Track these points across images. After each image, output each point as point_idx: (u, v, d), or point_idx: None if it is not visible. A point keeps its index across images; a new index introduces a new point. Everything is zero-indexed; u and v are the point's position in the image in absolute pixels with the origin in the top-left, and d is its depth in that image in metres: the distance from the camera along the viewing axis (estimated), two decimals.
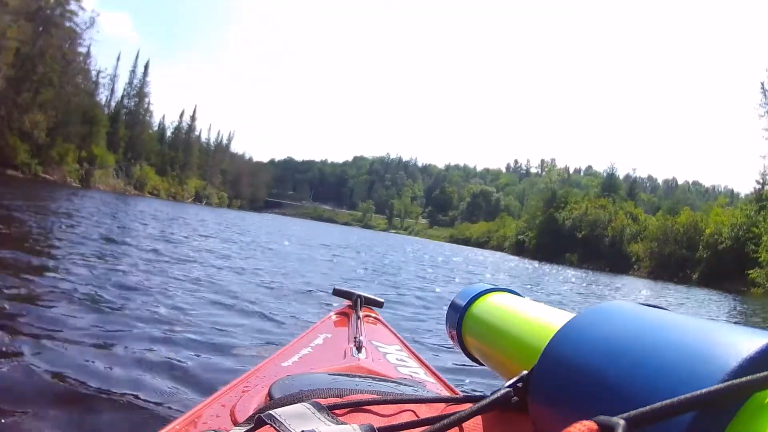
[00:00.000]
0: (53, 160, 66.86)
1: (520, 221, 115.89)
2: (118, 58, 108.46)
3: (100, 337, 4.53)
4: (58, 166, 67.65)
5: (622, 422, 0.44)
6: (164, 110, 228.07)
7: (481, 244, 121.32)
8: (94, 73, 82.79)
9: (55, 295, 5.71)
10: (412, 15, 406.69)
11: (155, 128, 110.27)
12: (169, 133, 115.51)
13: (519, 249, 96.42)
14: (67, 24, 68.21)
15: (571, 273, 44.57)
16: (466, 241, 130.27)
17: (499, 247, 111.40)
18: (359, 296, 2.88)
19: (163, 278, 8.11)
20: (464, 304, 1.20)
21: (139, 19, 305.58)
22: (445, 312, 1.28)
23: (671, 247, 71.29)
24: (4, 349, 3.74)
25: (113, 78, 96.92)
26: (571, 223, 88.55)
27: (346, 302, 2.92)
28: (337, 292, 3.07)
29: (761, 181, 63.37)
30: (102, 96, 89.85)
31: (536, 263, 59.79)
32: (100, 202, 32.69)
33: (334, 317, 2.70)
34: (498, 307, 1.11)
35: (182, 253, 12.00)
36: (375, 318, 2.79)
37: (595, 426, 0.43)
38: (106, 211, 23.82)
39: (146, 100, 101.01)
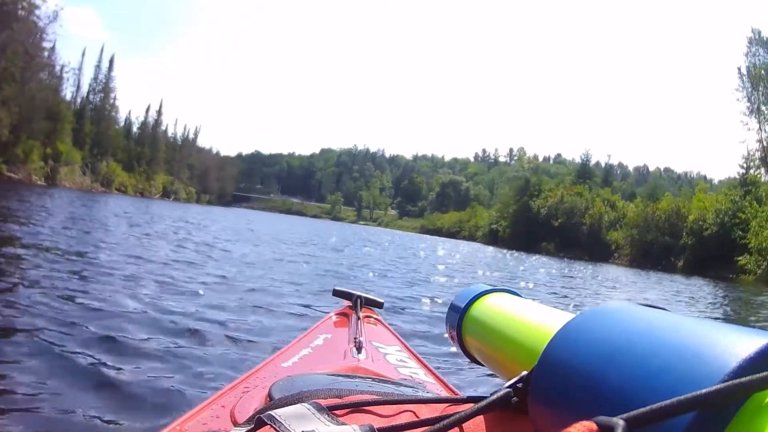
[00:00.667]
0: (17, 158, 64.69)
1: (492, 210, 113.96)
2: (83, 54, 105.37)
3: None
4: (23, 165, 65.46)
5: (621, 422, 0.44)
6: (131, 106, 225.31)
7: (452, 234, 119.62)
8: (58, 68, 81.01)
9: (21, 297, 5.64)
10: (376, 3, 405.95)
11: (122, 124, 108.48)
12: (135, 129, 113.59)
13: (492, 238, 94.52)
14: (30, 18, 66.21)
15: (549, 262, 43.84)
16: (438, 231, 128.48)
17: (471, 237, 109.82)
18: (359, 297, 2.83)
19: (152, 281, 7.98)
20: (464, 304, 1.20)
21: (104, 14, 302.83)
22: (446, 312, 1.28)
23: (653, 234, 69.71)
24: None
25: (78, 74, 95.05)
26: (547, 212, 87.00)
27: (346, 303, 2.87)
28: (337, 293, 3.01)
29: (744, 165, 62.67)
30: (67, 92, 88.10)
31: (511, 252, 59.05)
32: (63, 202, 31.68)
33: (334, 318, 2.66)
34: (498, 308, 1.11)
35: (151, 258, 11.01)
36: (375, 319, 2.74)
37: (594, 426, 0.43)
38: (60, 212, 22.38)
39: (112, 95, 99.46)
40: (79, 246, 10.93)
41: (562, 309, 0.99)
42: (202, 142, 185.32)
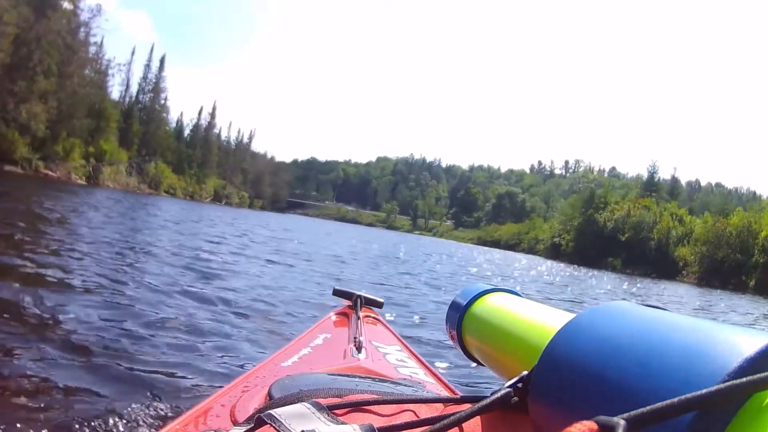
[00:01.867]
0: (57, 155, 60.93)
1: (554, 222, 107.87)
2: (133, 53, 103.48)
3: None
4: (62, 162, 61.70)
5: (622, 422, 0.43)
6: (183, 108, 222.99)
7: (510, 247, 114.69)
8: (105, 66, 77.39)
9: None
10: (438, 14, 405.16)
11: (173, 126, 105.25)
12: (187, 132, 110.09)
13: (554, 252, 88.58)
14: (69, 8, 62.47)
15: (615, 279, 41.04)
16: (495, 243, 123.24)
17: (531, 250, 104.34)
18: (359, 296, 2.84)
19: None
20: (464, 304, 1.20)
21: (157, 18, 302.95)
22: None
23: (723, 251, 64.20)
24: None
25: (128, 73, 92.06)
26: (613, 225, 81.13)
27: (346, 302, 2.88)
28: (337, 293, 3.01)
29: None
30: (115, 91, 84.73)
31: (575, 268, 54.42)
32: (102, 202, 29.63)
33: (333, 317, 2.68)
34: (498, 308, 1.11)
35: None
36: (375, 318, 2.75)
37: (595, 426, 0.43)
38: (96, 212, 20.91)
39: (162, 95, 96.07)
40: (111, 244, 10.99)
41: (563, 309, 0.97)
42: (257, 146, 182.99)
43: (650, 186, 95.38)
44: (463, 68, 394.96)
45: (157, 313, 5.77)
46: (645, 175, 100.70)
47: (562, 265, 60.16)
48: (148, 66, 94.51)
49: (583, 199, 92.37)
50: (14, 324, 4.46)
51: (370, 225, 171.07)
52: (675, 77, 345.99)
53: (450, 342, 1.30)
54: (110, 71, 78.83)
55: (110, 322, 5.08)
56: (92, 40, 69.59)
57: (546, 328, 0.88)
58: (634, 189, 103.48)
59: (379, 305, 2.98)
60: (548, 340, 0.71)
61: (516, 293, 1.19)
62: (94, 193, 39.52)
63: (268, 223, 36.54)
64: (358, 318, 2.43)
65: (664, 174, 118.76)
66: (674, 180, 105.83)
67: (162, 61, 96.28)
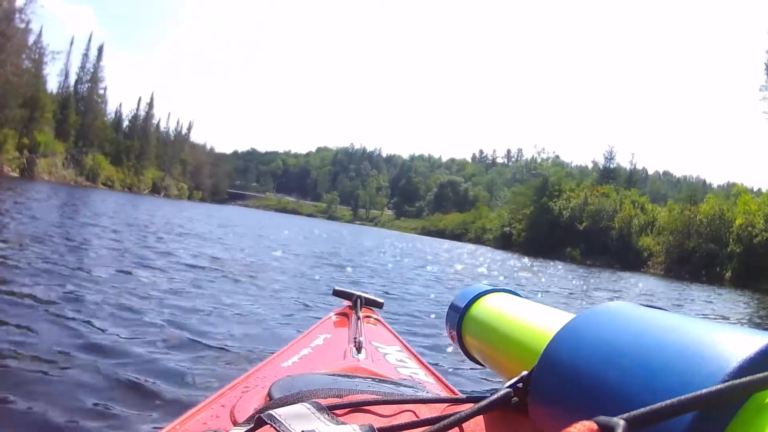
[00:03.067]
0: None
1: (503, 211, 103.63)
2: (72, 42, 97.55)
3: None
4: None
5: (622, 423, 0.43)
6: (122, 100, 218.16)
7: (456, 236, 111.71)
8: (44, 55, 74.08)
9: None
10: (374, 2, 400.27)
11: (111, 117, 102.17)
12: (126, 123, 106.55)
13: (504, 242, 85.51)
14: None
15: (576, 271, 38.85)
16: (440, 233, 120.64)
17: (478, 240, 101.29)
18: (359, 297, 2.83)
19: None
20: (464, 304, 1.21)
21: (102, 12, 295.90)
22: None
23: (694, 240, 60.98)
24: None
25: (66, 64, 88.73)
26: (570, 214, 77.60)
27: (346, 303, 2.87)
28: (337, 293, 3.00)
29: None
30: (52, 81, 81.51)
31: (530, 259, 52.35)
32: (35, 195, 28.11)
33: (333, 318, 2.67)
34: (498, 308, 1.11)
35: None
36: (375, 319, 2.74)
37: (595, 426, 0.43)
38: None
39: (100, 85, 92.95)
40: (50, 240, 10.51)
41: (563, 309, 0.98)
42: (196, 137, 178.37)
43: (608, 173, 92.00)
44: (403, 57, 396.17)
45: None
46: (594, 162, 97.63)
47: (514, 255, 58.65)
48: (86, 55, 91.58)
49: (535, 186, 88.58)
50: None
51: (310, 215, 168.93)
52: (614, 64, 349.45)
53: (450, 342, 1.30)
54: (45, 59, 75.57)
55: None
56: (26, 27, 66.20)
57: (546, 329, 0.88)
58: (588, 177, 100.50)
59: (379, 305, 2.94)
60: (548, 341, 0.72)
61: (516, 293, 1.20)
62: (27, 187, 37.54)
63: (192, 218, 33.87)
64: (358, 318, 2.42)
65: (633, 162, 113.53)
66: (632, 167, 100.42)
67: (100, 50, 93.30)
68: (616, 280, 32.85)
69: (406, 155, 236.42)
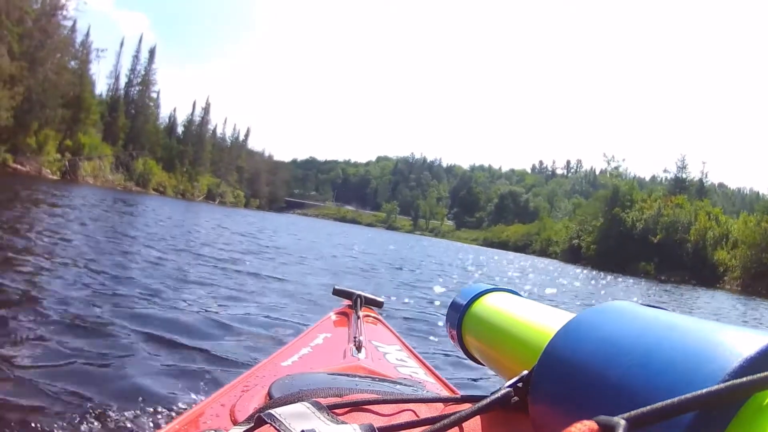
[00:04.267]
0: (28, 148, 53.98)
1: (571, 223, 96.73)
2: (122, 44, 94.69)
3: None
4: (34, 156, 54.72)
5: (622, 422, 0.43)
6: (177, 105, 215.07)
7: (520, 248, 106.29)
8: (84, 53, 70.46)
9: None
10: (439, 13, 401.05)
11: (164, 122, 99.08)
12: (180, 128, 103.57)
13: (573, 255, 78.99)
14: None
15: (651, 286, 37.23)
16: (503, 245, 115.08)
17: (543, 252, 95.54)
18: (359, 296, 2.80)
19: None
20: (464, 303, 1.20)
21: (155, 18, 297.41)
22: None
23: None
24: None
25: (116, 65, 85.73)
26: (643, 225, 71.12)
27: (346, 302, 2.84)
28: (337, 292, 2.99)
29: None
30: (102, 83, 78.05)
31: (600, 273, 47.38)
32: (65, 198, 25.63)
33: (333, 317, 2.64)
34: (498, 307, 1.11)
35: None
36: (375, 318, 2.72)
37: (595, 426, 0.43)
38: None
39: (152, 88, 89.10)
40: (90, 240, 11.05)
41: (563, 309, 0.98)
42: (254, 145, 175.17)
43: (680, 183, 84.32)
44: (463, 67, 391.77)
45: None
46: (663, 172, 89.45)
47: (584, 270, 53.19)
48: (136, 57, 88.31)
49: (605, 196, 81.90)
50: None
51: (369, 225, 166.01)
52: (673, 76, 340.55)
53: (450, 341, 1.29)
54: (91, 58, 72.08)
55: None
56: (68, 24, 62.83)
57: (546, 328, 0.88)
58: (656, 187, 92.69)
59: (380, 305, 2.93)
60: (548, 340, 0.72)
61: (516, 293, 1.19)
62: (67, 190, 33.67)
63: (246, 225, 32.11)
64: (358, 317, 2.40)
65: (706, 172, 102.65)
66: (704, 177, 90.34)
67: (152, 53, 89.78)
68: (698, 297, 30.15)
69: (466, 165, 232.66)
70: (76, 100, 63.11)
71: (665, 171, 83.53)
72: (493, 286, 1.21)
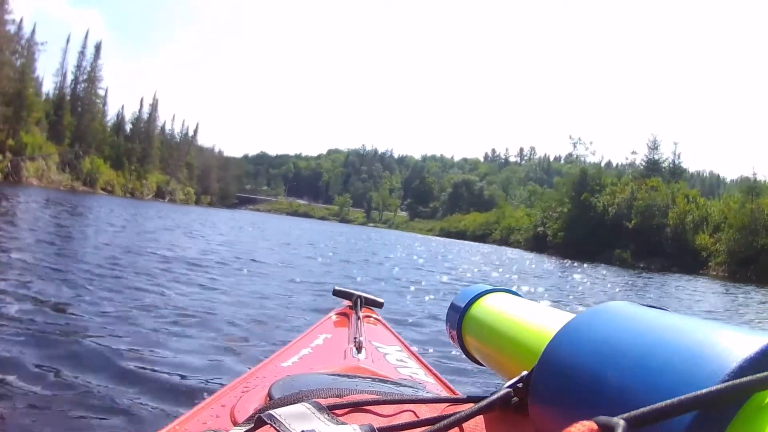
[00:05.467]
0: None
1: (534, 210, 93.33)
2: (68, 40, 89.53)
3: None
4: None
5: (622, 422, 0.43)
6: (124, 102, 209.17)
7: (479, 238, 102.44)
8: (36, 51, 67.55)
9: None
10: (384, 3, 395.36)
11: (112, 119, 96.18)
12: (129, 126, 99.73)
13: (538, 244, 75.34)
14: None
15: (631, 275, 34.75)
16: (461, 235, 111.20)
17: (504, 241, 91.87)
18: (359, 296, 2.80)
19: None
20: (464, 304, 1.20)
21: (109, 15, 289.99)
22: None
23: (763, 238, 51.34)
24: None
25: (63, 63, 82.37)
26: (616, 210, 67.45)
27: (346, 302, 2.85)
28: (337, 293, 2.98)
29: None
30: (48, 81, 74.82)
31: (571, 263, 45.36)
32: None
33: (334, 317, 2.65)
34: (498, 308, 1.11)
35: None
36: (375, 318, 2.74)
37: (595, 426, 0.43)
38: None
39: (98, 85, 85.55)
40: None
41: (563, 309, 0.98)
42: (204, 141, 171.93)
43: (653, 165, 79.05)
44: (412, 57, 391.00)
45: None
46: (632, 155, 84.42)
47: (552, 259, 51.55)
48: (82, 53, 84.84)
49: (572, 181, 77.69)
50: None
51: (323, 218, 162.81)
52: (631, 56, 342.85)
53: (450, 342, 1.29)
54: (36, 56, 69.00)
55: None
56: (8, 18, 59.59)
57: (546, 329, 0.88)
58: (627, 171, 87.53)
59: (379, 305, 2.92)
60: (548, 341, 0.72)
61: (516, 293, 1.19)
62: (9, 193, 32.34)
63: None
64: (358, 318, 2.40)
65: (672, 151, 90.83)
66: (676, 158, 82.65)
67: (98, 48, 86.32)
68: (683, 285, 28.75)
69: (418, 156, 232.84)
70: (18, 98, 60.03)
71: (633, 153, 79.15)
72: (492, 287, 1.21)
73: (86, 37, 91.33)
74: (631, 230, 64.56)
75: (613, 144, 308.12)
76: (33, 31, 67.56)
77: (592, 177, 74.98)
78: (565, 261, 48.17)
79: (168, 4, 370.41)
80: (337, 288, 2.99)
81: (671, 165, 79.58)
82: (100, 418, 3.12)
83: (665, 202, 64.80)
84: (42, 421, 2.97)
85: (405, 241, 54.36)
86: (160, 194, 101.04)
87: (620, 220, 66.37)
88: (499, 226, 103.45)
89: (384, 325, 2.67)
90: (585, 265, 43.23)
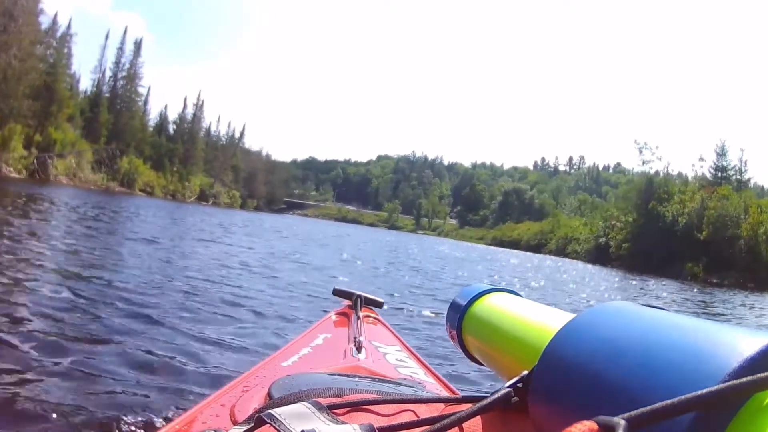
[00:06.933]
0: None
1: (595, 219, 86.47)
2: (107, 37, 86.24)
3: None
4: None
5: (622, 422, 0.43)
6: (169, 103, 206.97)
7: (533, 248, 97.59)
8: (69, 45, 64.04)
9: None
10: (438, 11, 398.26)
11: (155, 120, 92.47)
12: (172, 127, 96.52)
13: (600, 255, 69.51)
14: None
15: (708, 292, 31.60)
16: (515, 244, 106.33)
17: (560, 252, 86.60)
18: (359, 296, 2.80)
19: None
20: (464, 304, 1.20)
21: (151, 18, 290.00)
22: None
23: None
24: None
25: (101, 60, 78.83)
26: (686, 221, 61.29)
27: (346, 302, 2.85)
28: (337, 292, 3.00)
29: None
30: (86, 79, 71.69)
31: (638, 276, 40.94)
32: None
33: (333, 317, 2.65)
34: (498, 307, 1.10)
35: None
36: (375, 318, 2.73)
37: (595, 426, 0.42)
38: None
39: (139, 82, 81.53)
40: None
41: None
42: (251, 144, 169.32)
43: (721, 171, 71.13)
44: (463, 64, 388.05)
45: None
46: (700, 161, 75.07)
47: (620, 273, 46.04)
48: (120, 49, 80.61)
49: (638, 189, 70.78)
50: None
51: (371, 225, 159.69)
52: (670, 71, 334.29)
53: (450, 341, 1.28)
54: (68, 46, 65.17)
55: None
56: (40, 7, 55.86)
57: (546, 328, 0.88)
58: (692, 179, 75.96)
59: (379, 305, 2.93)
60: (548, 340, 0.71)
61: (515, 293, 1.19)
62: (30, 190, 29.05)
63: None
64: (358, 318, 2.40)
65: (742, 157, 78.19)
66: (742, 165, 73.59)
67: (138, 45, 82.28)
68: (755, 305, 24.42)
69: (467, 163, 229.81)
70: (47, 92, 56.20)
71: (701, 159, 71.40)
72: (493, 286, 1.20)
73: (125, 33, 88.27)
74: (702, 242, 58.48)
75: (668, 153, 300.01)
76: (69, 26, 64.16)
77: (658, 185, 68.73)
78: (633, 274, 43.38)
79: (214, 6, 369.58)
80: (337, 288, 2.98)
81: (738, 173, 71.81)
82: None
83: (738, 212, 58.78)
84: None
85: (458, 254, 49.14)
86: (203, 197, 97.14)
87: (691, 231, 60.54)
88: (554, 235, 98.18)
89: (384, 324, 2.66)
90: (657, 280, 38.36)
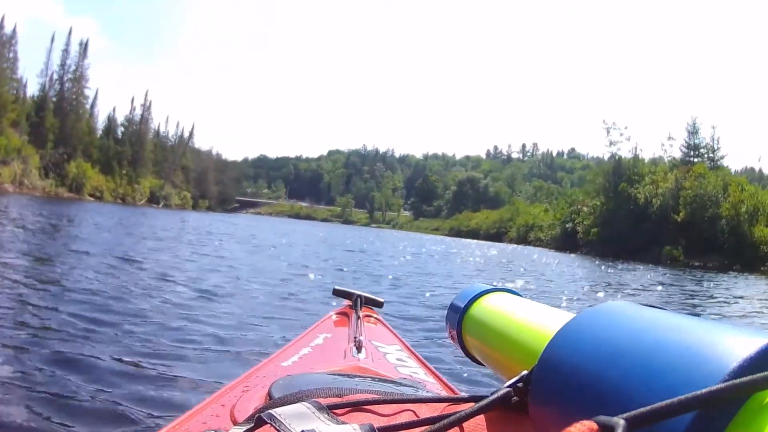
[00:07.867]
0: None
1: (559, 205, 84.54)
2: (52, 39, 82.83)
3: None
4: None
5: (622, 422, 0.43)
6: (117, 105, 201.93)
7: (493, 237, 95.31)
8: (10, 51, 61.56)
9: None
10: (383, 2, 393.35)
11: (104, 123, 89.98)
12: (120, 130, 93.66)
13: (567, 242, 66.78)
14: None
15: (692, 276, 30.11)
16: (473, 234, 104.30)
17: (522, 240, 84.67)
18: (359, 296, 2.78)
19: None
20: (464, 304, 1.20)
21: (105, 21, 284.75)
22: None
23: None
24: None
25: (47, 63, 76.34)
26: (661, 202, 59.19)
27: (346, 302, 2.82)
28: (337, 292, 2.96)
29: None
30: (32, 83, 69.25)
31: (612, 262, 39.82)
32: None
33: (334, 317, 2.63)
34: (498, 308, 1.11)
35: None
36: (375, 318, 2.71)
37: (595, 426, 0.42)
38: None
39: (85, 84, 78.97)
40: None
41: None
42: (201, 144, 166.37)
43: (693, 150, 69.54)
44: (411, 56, 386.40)
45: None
46: (669, 140, 72.99)
47: (592, 259, 44.74)
48: (66, 51, 78.06)
49: (605, 171, 68.41)
50: None
51: (325, 220, 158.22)
52: (624, 51, 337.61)
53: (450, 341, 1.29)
54: (12, 50, 62.74)
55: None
56: None
57: (546, 328, 0.88)
58: (661, 159, 73.36)
59: (380, 305, 2.90)
60: (548, 340, 0.71)
61: (515, 293, 1.19)
62: None
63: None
64: (358, 318, 2.39)
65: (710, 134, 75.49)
66: (715, 142, 70.43)
67: (84, 46, 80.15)
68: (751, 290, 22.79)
69: (419, 155, 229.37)
70: None
71: (670, 138, 69.70)
72: (492, 287, 1.21)
73: (69, 34, 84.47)
74: (679, 224, 56.42)
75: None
76: (14, 30, 61.56)
77: (627, 166, 66.61)
78: (607, 260, 42.03)
79: (164, 8, 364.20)
80: (337, 287, 2.97)
81: (710, 151, 68.96)
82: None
83: (716, 191, 56.72)
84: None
85: (416, 242, 49.34)
86: (153, 199, 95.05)
87: (666, 213, 58.39)
88: (514, 223, 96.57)
89: (384, 324, 2.65)
90: (635, 265, 37.49)
